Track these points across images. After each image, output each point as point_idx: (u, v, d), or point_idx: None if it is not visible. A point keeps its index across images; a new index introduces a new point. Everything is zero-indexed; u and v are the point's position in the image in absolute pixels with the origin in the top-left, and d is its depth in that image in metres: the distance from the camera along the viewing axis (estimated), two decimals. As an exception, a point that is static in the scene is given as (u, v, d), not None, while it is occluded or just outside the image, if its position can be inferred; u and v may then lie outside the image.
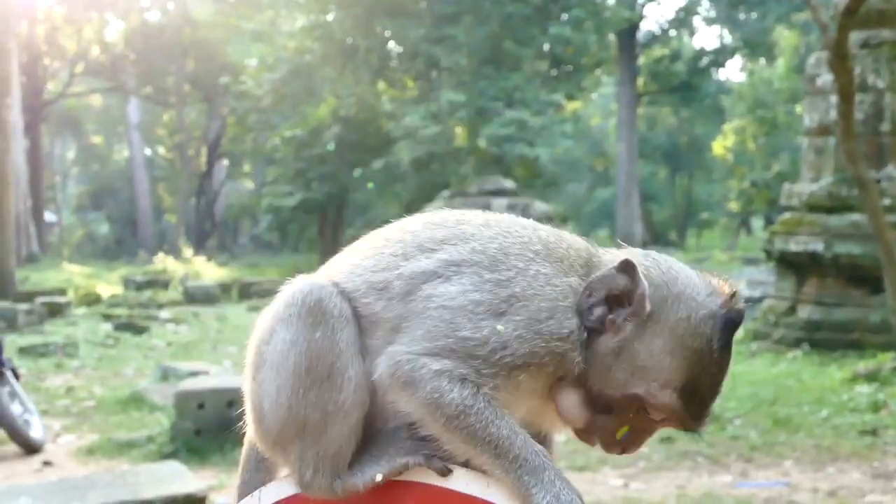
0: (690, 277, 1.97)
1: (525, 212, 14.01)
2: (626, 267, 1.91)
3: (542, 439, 2.05)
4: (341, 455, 1.94)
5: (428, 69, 35.45)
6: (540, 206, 14.62)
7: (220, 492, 8.33)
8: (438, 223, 2.08)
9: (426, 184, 32.07)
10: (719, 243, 51.17)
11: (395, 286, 1.96)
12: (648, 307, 1.91)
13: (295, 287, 2.02)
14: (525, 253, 1.98)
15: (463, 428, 1.84)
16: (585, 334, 1.91)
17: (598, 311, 1.91)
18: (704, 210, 54.98)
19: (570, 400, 1.93)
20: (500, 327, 1.88)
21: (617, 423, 1.94)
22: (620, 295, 1.91)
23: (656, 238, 52.77)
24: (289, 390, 1.94)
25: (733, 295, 1.93)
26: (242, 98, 38.41)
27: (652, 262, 2.00)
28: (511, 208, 13.99)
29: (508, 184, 15.30)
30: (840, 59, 13.08)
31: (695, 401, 1.91)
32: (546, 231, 2.07)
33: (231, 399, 9.81)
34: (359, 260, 2.08)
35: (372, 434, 1.98)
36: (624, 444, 1.96)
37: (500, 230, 2.03)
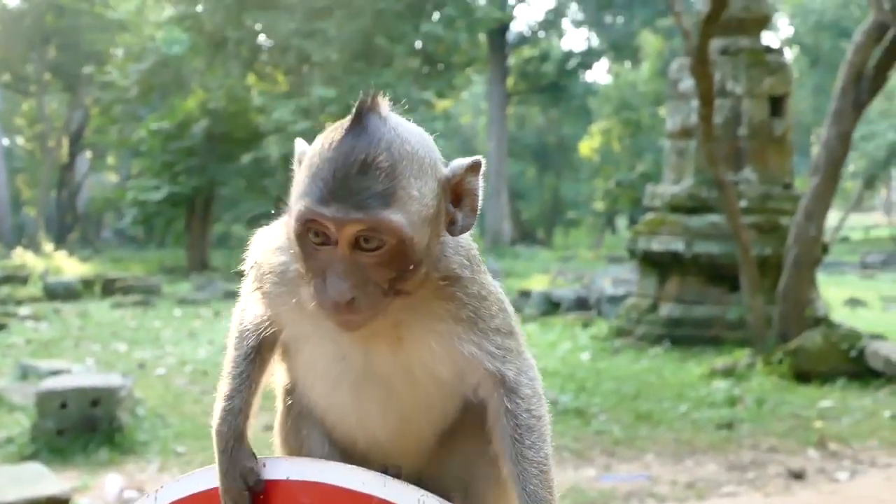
0: None
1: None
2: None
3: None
4: None
5: (299, 63, 35.14)
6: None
7: (84, 493, 8.14)
8: None
9: (296, 180, 31.74)
10: (585, 242, 52.23)
11: None
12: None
13: None
14: None
15: None
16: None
17: None
18: (571, 209, 56.00)
19: None
20: None
21: (306, 267, 1.83)
22: None
23: (524, 236, 53.55)
24: None
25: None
26: (107, 88, 37.38)
27: None
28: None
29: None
30: (701, 65, 13.57)
31: (313, 180, 1.77)
32: None
33: (95, 398, 9.61)
34: None
35: None
36: (339, 298, 1.77)
37: None
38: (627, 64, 53.34)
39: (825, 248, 15.80)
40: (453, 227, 1.90)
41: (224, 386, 2.06)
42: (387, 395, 1.98)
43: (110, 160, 54.47)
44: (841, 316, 17.81)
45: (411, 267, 1.80)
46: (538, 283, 27.51)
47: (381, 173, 1.75)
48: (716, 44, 15.59)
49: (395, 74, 33.97)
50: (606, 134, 48.84)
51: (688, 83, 16.31)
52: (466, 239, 1.99)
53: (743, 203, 15.60)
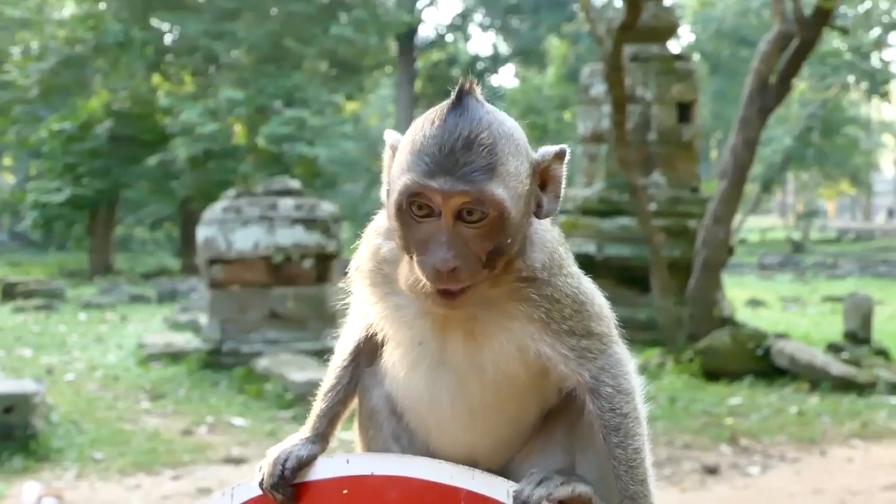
0: None
1: (312, 212, 14.03)
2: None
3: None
4: None
5: (206, 65, 34.75)
6: (327, 206, 14.63)
7: (0, 502, 7.96)
8: None
9: (204, 182, 31.45)
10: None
11: None
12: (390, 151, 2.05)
13: None
14: None
15: None
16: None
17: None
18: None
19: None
20: None
21: (408, 241, 1.90)
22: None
23: (432, 238, 53.65)
24: None
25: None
26: (6, 88, 36.41)
27: None
28: (298, 208, 13.96)
29: (295, 184, 15.20)
30: (615, 71, 13.83)
31: (419, 156, 1.87)
32: None
33: (9, 405, 9.40)
34: None
35: None
36: (443, 266, 1.84)
37: None
38: (533, 68, 53.91)
39: (731, 251, 16.23)
40: (539, 211, 2.01)
41: (322, 387, 2.24)
42: (457, 385, 2.02)
43: (7, 161, 53.04)
44: (743, 316, 18.31)
45: (508, 240, 1.88)
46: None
47: (483, 149, 1.85)
48: (626, 50, 15.88)
49: (304, 77, 33.84)
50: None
51: (599, 89, 16.61)
52: (553, 238, 2.07)
53: (652, 206, 15.92)
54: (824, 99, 43.60)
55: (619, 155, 14.72)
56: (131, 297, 26.41)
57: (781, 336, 14.39)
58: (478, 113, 1.90)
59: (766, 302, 24.13)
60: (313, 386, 8.72)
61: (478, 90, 1.95)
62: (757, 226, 61.53)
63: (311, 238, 13.99)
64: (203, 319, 15.65)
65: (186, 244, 33.30)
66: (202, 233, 14.17)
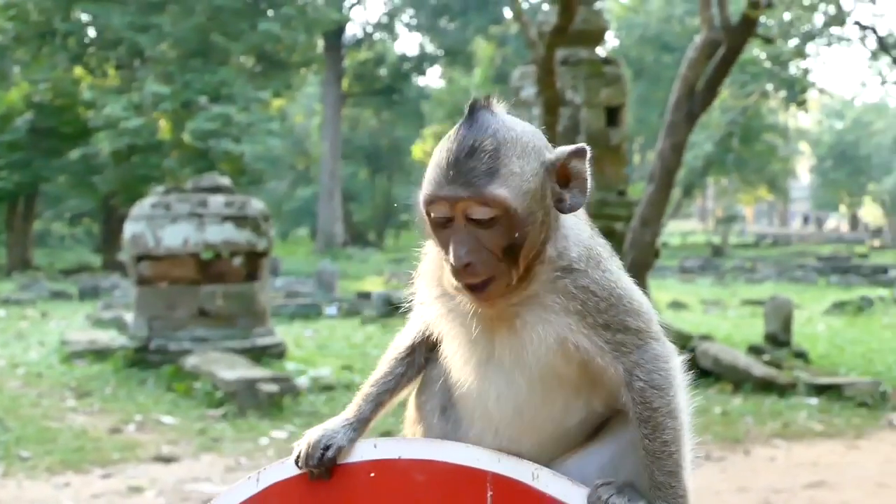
0: None
1: (242, 209, 13.93)
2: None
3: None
4: None
5: (131, 58, 34.23)
6: (257, 203, 14.53)
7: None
8: None
9: (127, 177, 30.99)
10: (417, 244, 52.53)
11: None
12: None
13: None
14: None
15: None
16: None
17: None
18: (403, 211, 56.17)
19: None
20: None
21: (437, 243, 2.07)
22: None
23: (356, 237, 53.55)
24: None
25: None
26: (-79, 77, 35.50)
27: None
28: (228, 205, 13.86)
29: (225, 181, 15.05)
30: (547, 75, 13.97)
31: (434, 169, 2.04)
32: None
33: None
34: None
35: None
36: (457, 262, 1.99)
37: None
38: (461, 70, 54.08)
39: (657, 254, 16.47)
40: (562, 205, 2.09)
41: (373, 374, 2.31)
42: (505, 380, 2.10)
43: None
44: (666, 318, 18.53)
45: (517, 235, 2.00)
46: (373, 285, 27.70)
47: (485, 155, 2.00)
48: (557, 54, 16.04)
49: (230, 72, 33.53)
50: (439, 138, 48.96)
51: (530, 91, 16.70)
52: (589, 236, 2.16)
53: (581, 209, 16.07)
54: (744, 106, 44.44)
55: (550, 157, 14.84)
56: (52, 294, 25.94)
57: (705, 338, 14.66)
58: (486, 123, 2.04)
59: (687, 304, 24.56)
60: (243, 384, 8.73)
61: (495, 103, 2.09)
62: (678, 230, 62.58)
63: (241, 235, 13.90)
64: (128, 316, 15.43)
65: (108, 240, 32.79)
66: (130, 229, 13.99)
